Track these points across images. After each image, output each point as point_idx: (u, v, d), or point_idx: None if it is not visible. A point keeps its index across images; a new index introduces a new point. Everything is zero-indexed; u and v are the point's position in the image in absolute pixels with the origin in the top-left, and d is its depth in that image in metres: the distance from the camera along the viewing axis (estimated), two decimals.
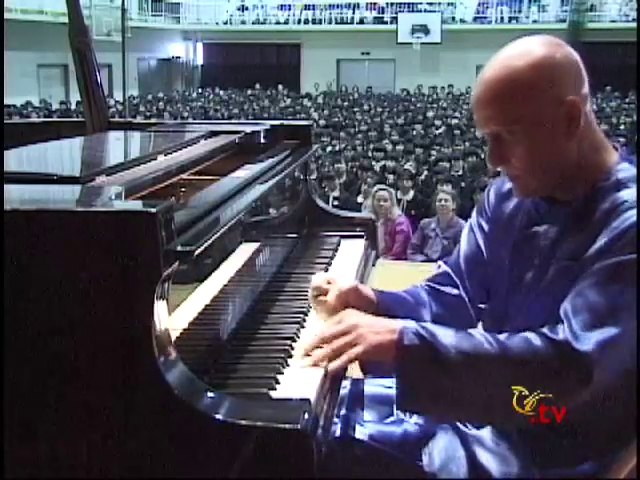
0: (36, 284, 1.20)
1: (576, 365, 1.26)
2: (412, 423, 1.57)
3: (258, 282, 1.91)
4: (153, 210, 1.17)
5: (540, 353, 1.28)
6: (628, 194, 1.35)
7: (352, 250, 2.38)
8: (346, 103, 19.97)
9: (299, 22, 27.63)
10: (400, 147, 10.74)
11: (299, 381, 1.37)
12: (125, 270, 1.18)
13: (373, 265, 2.37)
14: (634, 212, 1.31)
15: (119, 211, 1.22)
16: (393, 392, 1.60)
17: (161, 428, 1.20)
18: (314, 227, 2.54)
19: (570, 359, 1.26)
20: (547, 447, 1.44)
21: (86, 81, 2.68)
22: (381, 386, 1.71)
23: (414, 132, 13.30)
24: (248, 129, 2.47)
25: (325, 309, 1.57)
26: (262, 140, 2.48)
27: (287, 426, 1.16)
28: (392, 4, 26.52)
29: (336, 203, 7.06)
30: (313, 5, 27.59)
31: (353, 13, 27.13)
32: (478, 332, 1.37)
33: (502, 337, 1.32)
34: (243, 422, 1.17)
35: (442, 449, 1.51)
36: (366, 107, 18.74)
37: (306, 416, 1.18)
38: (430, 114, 16.44)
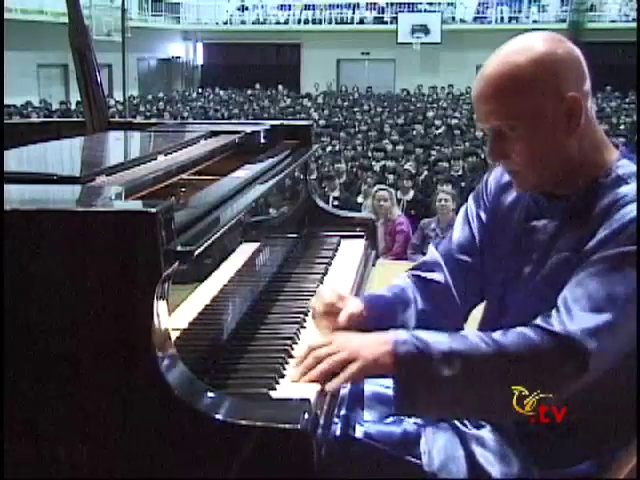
0: (36, 284, 1.20)
1: (572, 353, 1.26)
2: (411, 423, 1.57)
3: (258, 282, 1.91)
4: (153, 210, 1.17)
5: (537, 346, 1.28)
6: (628, 189, 1.35)
7: (352, 250, 2.38)
8: (346, 103, 19.96)
9: (299, 22, 27.60)
10: (400, 147, 10.73)
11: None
12: (125, 270, 1.19)
13: (373, 265, 2.37)
14: (635, 206, 1.31)
15: (119, 211, 1.22)
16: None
17: (161, 428, 1.20)
18: (314, 227, 2.54)
19: (566, 348, 1.26)
20: (547, 447, 1.44)
21: (86, 81, 2.69)
22: (381, 386, 1.71)
23: (414, 132, 13.29)
24: (248, 129, 2.47)
25: (331, 327, 1.51)
26: (262, 140, 2.48)
27: (287, 426, 1.16)
28: (392, 4, 26.49)
29: (336, 203, 7.05)
30: (313, 5, 27.56)
31: (353, 13, 27.11)
32: (472, 333, 1.36)
33: (497, 335, 1.32)
34: (243, 422, 1.17)
35: (441, 448, 1.51)
36: (366, 107, 18.73)
37: (306, 416, 1.18)
38: (430, 114, 16.42)
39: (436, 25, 25.25)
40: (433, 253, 1.66)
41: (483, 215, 1.61)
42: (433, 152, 10.34)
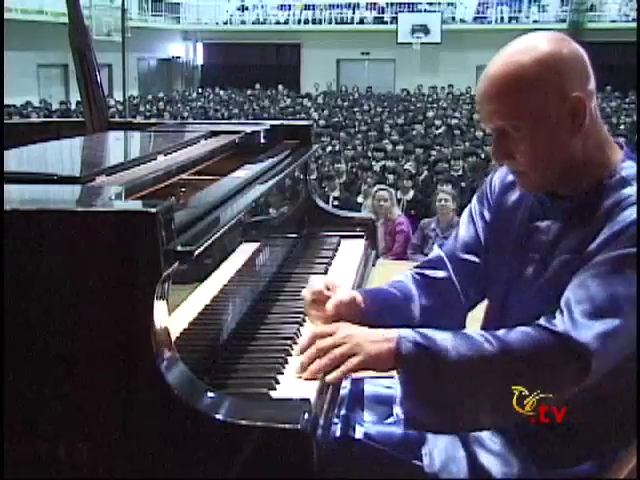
0: (36, 284, 1.20)
1: (575, 355, 1.26)
2: None
3: (258, 282, 1.91)
4: (153, 210, 1.17)
5: (540, 345, 1.27)
6: (632, 191, 1.35)
7: (352, 250, 2.38)
8: (346, 103, 19.97)
9: (299, 22, 27.61)
10: (400, 147, 10.74)
11: (299, 381, 1.37)
12: (125, 270, 1.18)
13: (373, 265, 2.37)
14: None
15: (119, 211, 1.22)
16: (393, 392, 1.60)
17: (161, 428, 1.20)
18: (314, 227, 2.54)
19: (569, 349, 1.26)
20: (547, 447, 1.44)
21: (86, 81, 2.69)
22: (381, 386, 1.71)
23: (414, 132, 13.29)
24: (248, 129, 2.47)
25: (320, 315, 1.53)
26: (262, 140, 2.48)
27: (287, 426, 1.16)
28: (392, 4, 26.51)
29: (336, 203, 7.06)
30: (313, 5, 27.57)
31: (353, 13, 27.12)
32: (475, 332, 1.36)
33: (500, 334, 1.32)
34: (243, 422, 1.17)
35: (442, 449, 1.51)
36: (366, 107, 18.74)
37: (306, 416, 1.18)
38: (430, 114, 16.43)
39: (436, 25, 25.26)
40: (437, 252, 1.65)
41: (487, 214, 1.60)
42: (433, 152, 10.35)
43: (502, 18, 25.57)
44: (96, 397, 1.20)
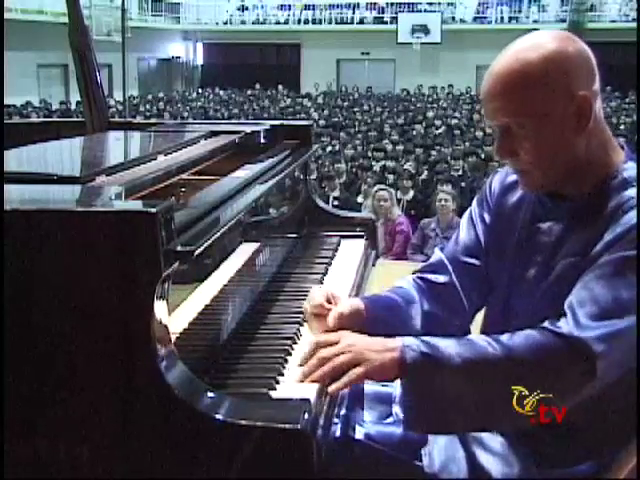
0: (36, 284, 1.20)
1: (580, 356, 1.25)
2: None
3: (258, 282, 1.91)
4: (153, 210, 1.17)
5: (545, 348, 1.27)
6: (635, 192, 1.34)
7: (352, 250, 2.38)
8: (346, 103, 19.96)
9: (299, 22, 27.59)
10: (400, 147, 10.73)
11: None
12: (125, 270, 1.19)
13: (373, 265, 2.37)
14: None
15: (119, 211, 1.22)
16: (393, 391, 1.60)
17: (161, 428, 1.20)
18: (314, 227, 2.54)
19: (574, 350, 1.25)
20: (547, 447, 1.43)
21: (86, 81, 2.69)
22: (381, 386, 1.71)
23: (414, 132, 13.29)
24: (248, 129, 2.47)
25: (321, 328, 1.50)
26: (262, 140, 2.48)
27: (287, 426, 1.16)
28: (392, 4, 26.49)
29: (336, 203, 7.05)
30: (313, 5, 27.56)
31: (353, 13, 27.11)
32: (479, 337, 1.35)
33: (504, 338, 1.31)
34: (243, 422, 1.17)
35: (442, 449, 1.50)
36: (366, 107, 18.73)
37: (306, 416, 1.18)
38: (430, 114, 16.42)
39: (436, 25, 25.25)
40: (438, 255, 1.64)
41: (487, 217, 1.60)
42: (433, 152, 10.34)
43: (502, 18, 25.55)
44: (96, 397, 1.21)
